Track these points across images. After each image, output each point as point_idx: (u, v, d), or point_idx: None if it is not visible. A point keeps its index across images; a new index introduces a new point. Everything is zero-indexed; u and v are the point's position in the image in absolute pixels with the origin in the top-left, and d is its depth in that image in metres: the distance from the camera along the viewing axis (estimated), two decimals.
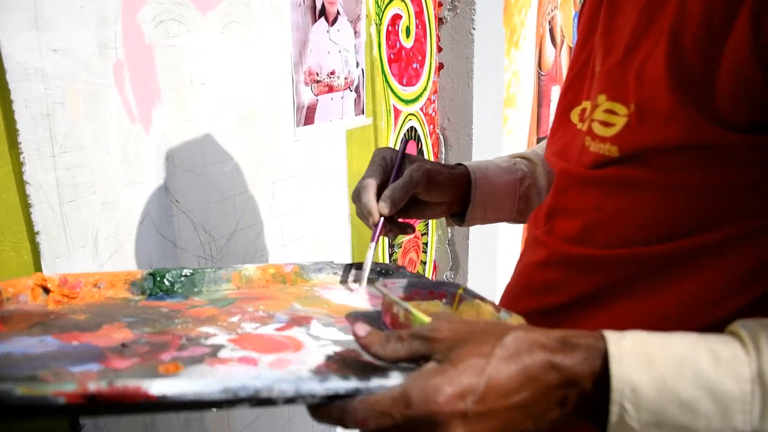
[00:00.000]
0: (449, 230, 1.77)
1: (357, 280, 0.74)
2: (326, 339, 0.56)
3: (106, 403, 0.39)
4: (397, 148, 0.76)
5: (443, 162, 1.69)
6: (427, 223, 1.72)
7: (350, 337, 0.55)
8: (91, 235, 0.75)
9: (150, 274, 0.66)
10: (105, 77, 0.75)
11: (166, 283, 0.67)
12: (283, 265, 0.73)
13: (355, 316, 0.62)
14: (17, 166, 0.66)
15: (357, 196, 0.74)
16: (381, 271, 0.76)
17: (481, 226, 1.78)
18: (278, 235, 1.10)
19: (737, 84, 0.48)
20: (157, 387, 0.40)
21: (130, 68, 0.78)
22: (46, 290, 0.61)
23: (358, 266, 0.76)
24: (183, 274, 0.68)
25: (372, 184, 0.73)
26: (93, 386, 0.38)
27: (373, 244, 0.73)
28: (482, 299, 0.60)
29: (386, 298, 0.59)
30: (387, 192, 0.72)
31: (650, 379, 0.44)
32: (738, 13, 0.47)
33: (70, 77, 0.70)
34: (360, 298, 0.70)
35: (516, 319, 0.55)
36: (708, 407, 0.44)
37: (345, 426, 0.45)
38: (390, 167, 0.75)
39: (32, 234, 0.68)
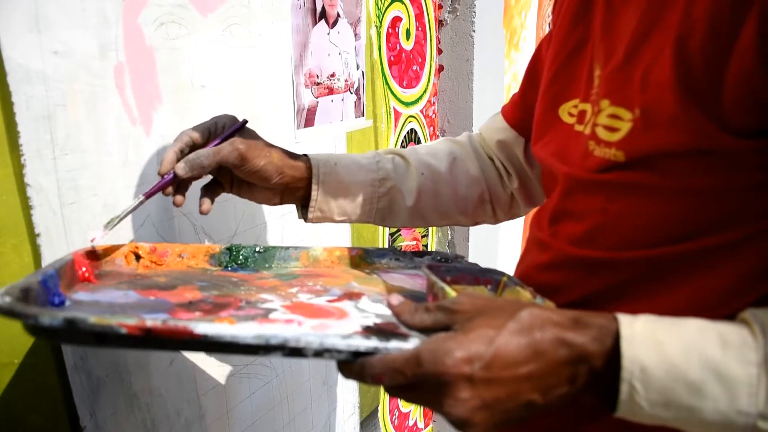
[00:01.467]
0: (449, 232, 1.77)
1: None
2: (371, 312, 0.60)
3: (159, 337, 0.46)
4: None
5: None
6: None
7: None
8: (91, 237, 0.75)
9: (227, 248, 0.75)
10: (106, 79, 0.75)
11: (241, 257, 0.75)
12: (348, 248, 0.79)
13: (399, 293, 0.65)
14: (18, 168, 0.66)
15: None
16: (440, 259, 0.80)
17: (480, 228, 1.79)
18: (278, 237, 1.10)
19: (744, 89, 0.48)
20: (201, 327, 0.46)
21: (130, 70, 0.78)
22: (138, 257, 0.71)
23: (419, 254, 0.79)
24: (256, 250, 0.76)
25: (184, 139, 0.71)
26: (150, 322, 0.46)
27: (142, 197, 0.70)
28: (522, 286, 0.63)
29: (429, 278, 0.63)
30: (192, 155, 0.70)
31: (659, 360, 0.45)
32: (745, 19, 0.47)
33: (71, 79, 0.70)
34: (416, 282, 0.73)
35: (548, 305, 0.57)
36: (714, 389, 0.45)
37: (364, 381, 0.49)
38: (220, 132, 0.73)
39: (33, 236, 0.68)
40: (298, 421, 1.19)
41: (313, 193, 0.78)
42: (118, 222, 0.69)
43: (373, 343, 0.48)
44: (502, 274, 0.67)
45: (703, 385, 0.45)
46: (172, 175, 0.70)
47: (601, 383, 0.47)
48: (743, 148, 0.50)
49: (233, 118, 0.76)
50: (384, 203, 0.82)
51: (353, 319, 0.58)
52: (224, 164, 0.72)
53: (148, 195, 0.70)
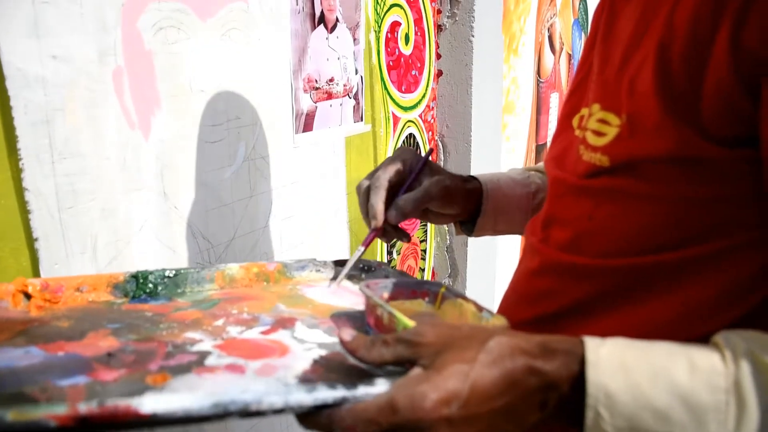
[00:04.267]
0: (448, 237, 1.77)
1: (335, 278, 0.73)
2: (311, 342, 0.56)
3: (98, 424, 0.39)
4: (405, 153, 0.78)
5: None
6: (426, 230, 1.72)
7: (335, 339, 0.56)
8: (89, 242, 0.75)
9: (132, 276, 0.65)
10: (104, 84, 0.75)
11: (149, 285, 0.66)
12: (266, 263, 0.73)
13: (339, 317, 0.63)
14: (16, 173, 0.66)
15: (365, 192, 0.73)
16: (363, 268, 0.76)
17: None
18: (277, 242, 1.10)
19: (721, 99, 0.48)
20: (148, 405, 0.40)
21: (129, 75, 0.78)
22: (28, 295, 0.60)
23: (342, 263, 0.76)
24: (166, 275, 0.67)
25: (384, 185, 0.72)
26: (84, 408, 0.39)
27: (363, 248, 0.72)
28: (464, 298, 0.61)
29: (370, 300, 0.59)
30: (400, 201, 0.71)
31: (625, 386, 0.45)
32: (719, 29, 0.47)
33: (70, 84, 0.71)
34: (343, 297, 0.70)
35: (498, 319, 0.55)
36: (682, 416, 0.44)
37: None
38: (407, 172, 0.74)
39: (31, 240, 0.68)
40: (297, 425, 1.19)
41: (483, 208, 0.80)
42: (344, 276, 0.71)
43: (340, 393, 0.44)
44: (439, 285, 0.65)
45: (670, 411, 0.44)
46: (383, 224, 0.72)
47: (569, 408, 0.47)
48: (725, 157, 0.49)
49: (415, 154, 0.76)
50: (536, 215, 0.84)
51: (297, 353, 0.54)
52: (429, 204, 0.73)
53: (366, 245, 0.72)
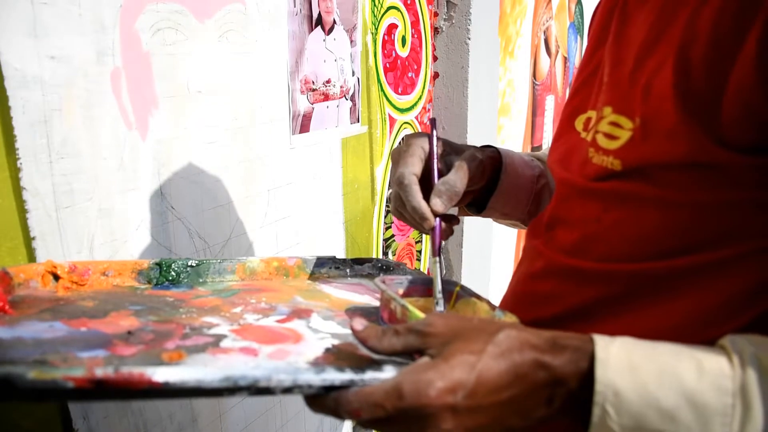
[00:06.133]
0: None
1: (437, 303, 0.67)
2: (325, 332, 0.58)
3: (112, 388, 0.41)
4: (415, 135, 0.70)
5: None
6: None
7: (348, 331, 0.57)
8: (86, 241, 0.75)
9: (156, 263, 0.69)
10: (102, 84, 0.75)
11: (172, 272, 0.70)
12: (286, 258, 0.76)
13: (353, 311, 0.64)
14: (14, 172, 0.67)
15: (397, 198, 0.68)
16: (381, 267, 0.77)
17: (474, 233, 1.79)
18: (273, 243, 1.10)
19: (743, 105, 0.48)
20: (161, 374, 0.42)
21: (127, 76, 0.78)
22: (56, 277, 0.64)
23: (358, 261, 0.77)
24: (189, 264, 0.70)
25: (415, 181, 0.66)
26: (100, 372, 0.40)
27: (436, 258, 0.65)
28: (478, 297, 0.61)
29: (384, 294, 0.60)
30: (441, 187, 0.66)
31: (633, 385, 0.45)
32: (747, 35, 0.47)
33: (68, 84, 0.71)
34: (360, 293, 0.71)
35: (510, 318, 0.56)
36: (688, 417, 0.44)
37: (339, 416, 0.46)
38: (426, 156, 0.68)
39: (28, 240, 0.69)
40: (291, 425, 1.19)
41: (500, 185, 0.75)
42: (440, 295, 0.64)
43: (348, 375, 0.45)
44: (455, 284, 0.65)
45: (676, 411, 0.44)
46: (439, 220, 0.66)
47: (576, 405, 0.47)
48: (740, 164, 0.49)
49: (426, 135, 0.70)
50: (534, 203, 0.79)
51: (310, 341, 0.55)
52: (472, 185, 0.68)
53: (437, 246, 0.66)
